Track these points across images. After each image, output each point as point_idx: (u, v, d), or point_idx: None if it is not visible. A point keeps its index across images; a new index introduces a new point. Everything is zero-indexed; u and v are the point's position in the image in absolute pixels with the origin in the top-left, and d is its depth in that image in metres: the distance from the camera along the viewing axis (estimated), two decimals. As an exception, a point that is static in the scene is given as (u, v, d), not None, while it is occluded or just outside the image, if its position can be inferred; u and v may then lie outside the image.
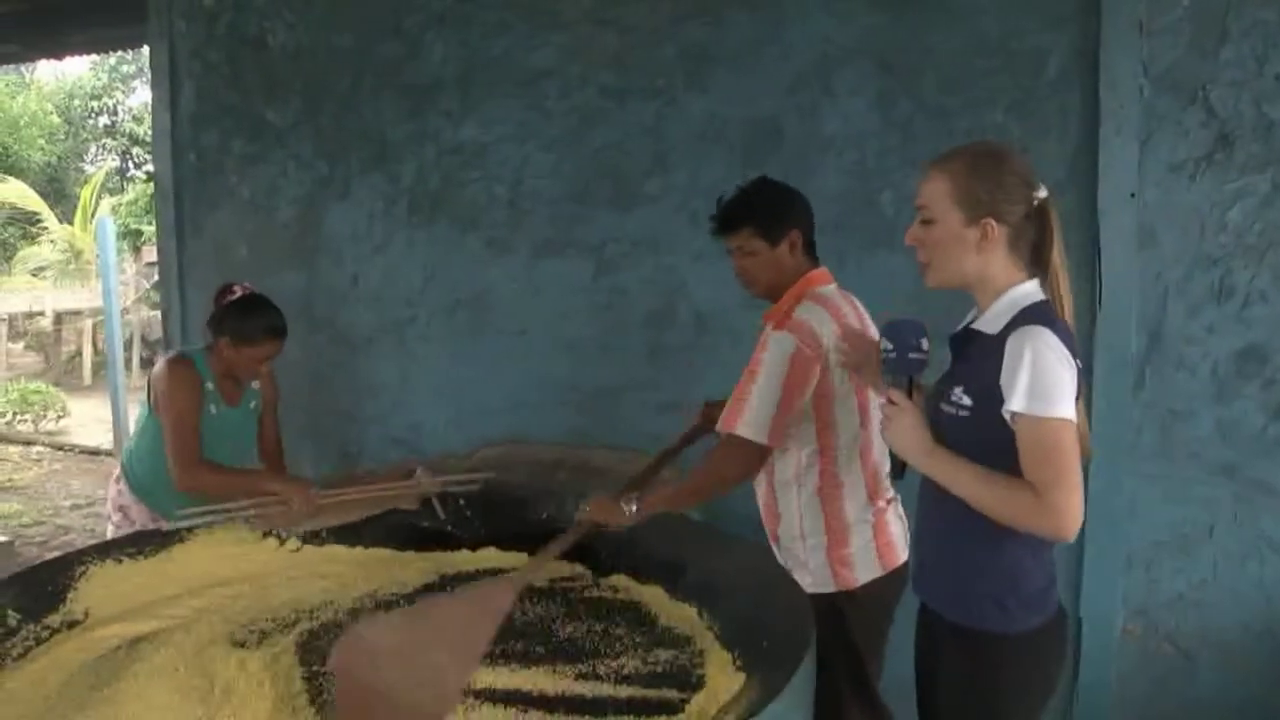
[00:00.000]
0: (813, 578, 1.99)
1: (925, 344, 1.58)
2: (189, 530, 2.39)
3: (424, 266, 3.61)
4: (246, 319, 2.61)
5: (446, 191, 3.56)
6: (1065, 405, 1.37)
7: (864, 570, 2.00)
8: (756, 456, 1.94)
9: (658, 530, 2.11)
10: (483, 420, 3.49)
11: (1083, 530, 2.80)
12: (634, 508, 2.00)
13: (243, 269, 3.51)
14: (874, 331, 2.02)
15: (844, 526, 1.99)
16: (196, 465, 2.54)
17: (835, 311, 1.98)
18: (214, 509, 2.44)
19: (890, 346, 1.58)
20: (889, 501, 2.07)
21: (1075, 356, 1.43)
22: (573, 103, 3.28)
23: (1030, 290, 1.50)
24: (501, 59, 3.38)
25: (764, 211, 2.02)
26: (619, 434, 3.16)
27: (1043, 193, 1.49)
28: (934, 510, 1.56)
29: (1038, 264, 1.51)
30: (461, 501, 2.58)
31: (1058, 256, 1.50)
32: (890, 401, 1.54)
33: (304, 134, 3.82)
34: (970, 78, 2.73)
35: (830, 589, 2.00)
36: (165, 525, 2.41)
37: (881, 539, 2.02)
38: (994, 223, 1.48)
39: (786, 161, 2.92)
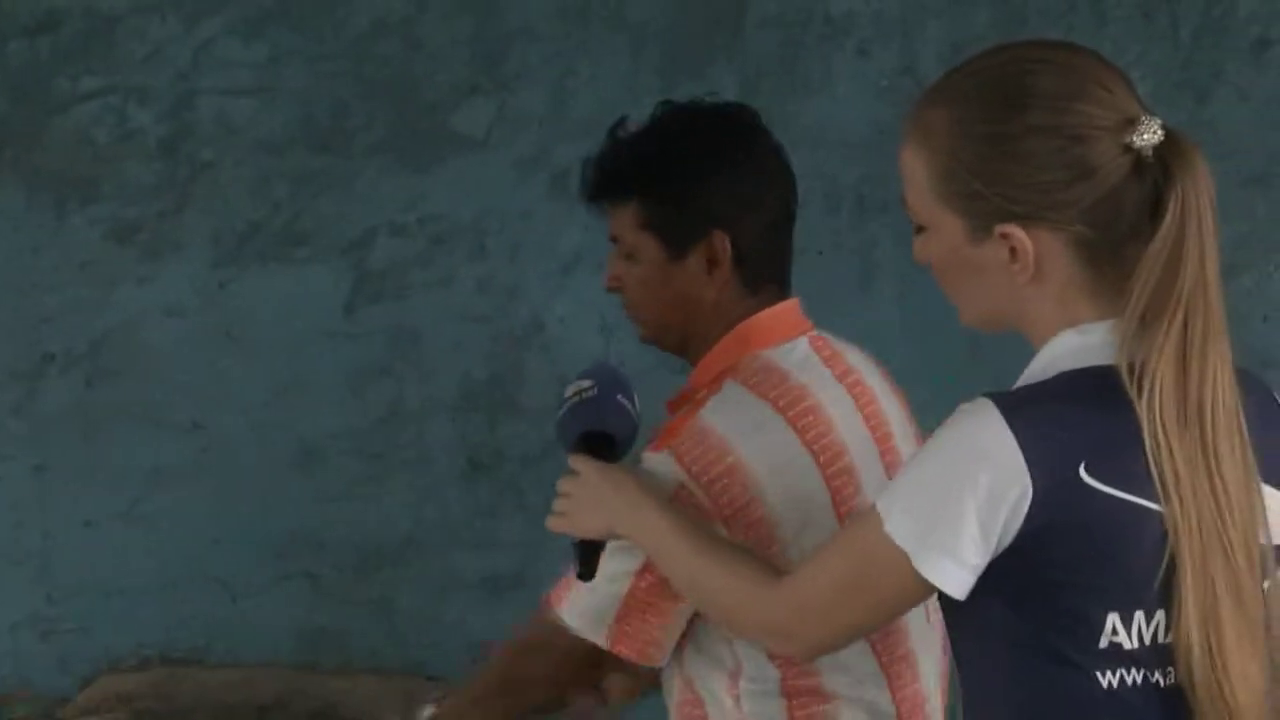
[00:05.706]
0: None
1: (634, 404, 1.37)
2: None
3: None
4: None
5: (15, 116, 2.70)
6: (925, 549, 0.97)
7: None
8: (582, 659, 1.41)
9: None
10: (106, 620, 2.65)
11: None
12: (428, 712, 1.69)
13: None
14: (891, 427, 1.47)
15: None
16: None
17: (787, 400, 1.36)
18: None
19: (589, 384, 1.33)
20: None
21: (1086, 480, 0.96)
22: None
23: (1082, 342, 1.01)
24: None
25: (668, 177, 1.39)
26: (405, 642, 2.56)
27: (1149, 134, 0.95)
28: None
29: (1127, 284, 0.98)
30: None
31: (1189, 268, 0.96)
32: (571, 471, 1.33)
33: None
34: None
35: None
36: None
37: None
38: (1020, 232, 0.99)
39: (751, 65, 2.49)
